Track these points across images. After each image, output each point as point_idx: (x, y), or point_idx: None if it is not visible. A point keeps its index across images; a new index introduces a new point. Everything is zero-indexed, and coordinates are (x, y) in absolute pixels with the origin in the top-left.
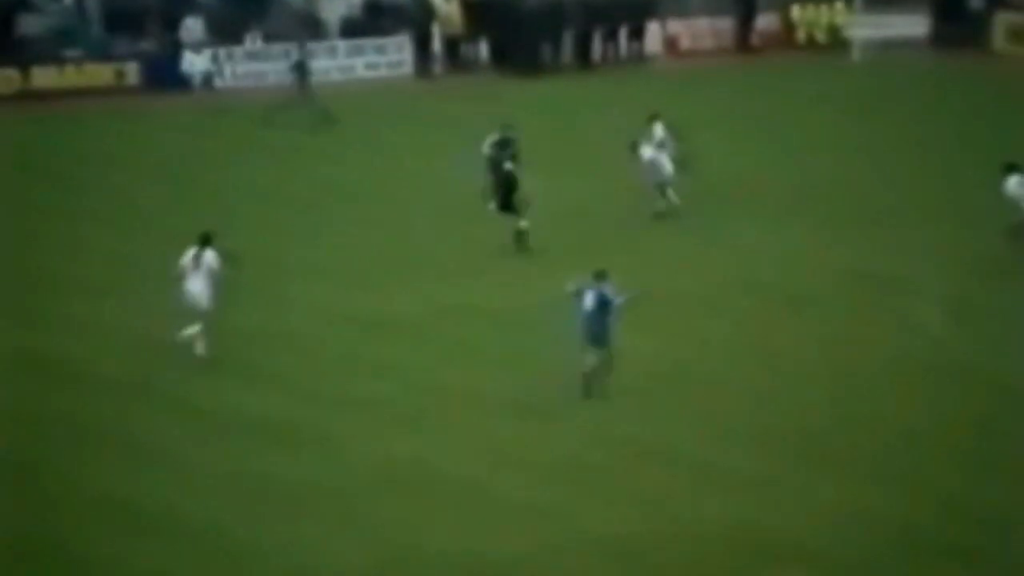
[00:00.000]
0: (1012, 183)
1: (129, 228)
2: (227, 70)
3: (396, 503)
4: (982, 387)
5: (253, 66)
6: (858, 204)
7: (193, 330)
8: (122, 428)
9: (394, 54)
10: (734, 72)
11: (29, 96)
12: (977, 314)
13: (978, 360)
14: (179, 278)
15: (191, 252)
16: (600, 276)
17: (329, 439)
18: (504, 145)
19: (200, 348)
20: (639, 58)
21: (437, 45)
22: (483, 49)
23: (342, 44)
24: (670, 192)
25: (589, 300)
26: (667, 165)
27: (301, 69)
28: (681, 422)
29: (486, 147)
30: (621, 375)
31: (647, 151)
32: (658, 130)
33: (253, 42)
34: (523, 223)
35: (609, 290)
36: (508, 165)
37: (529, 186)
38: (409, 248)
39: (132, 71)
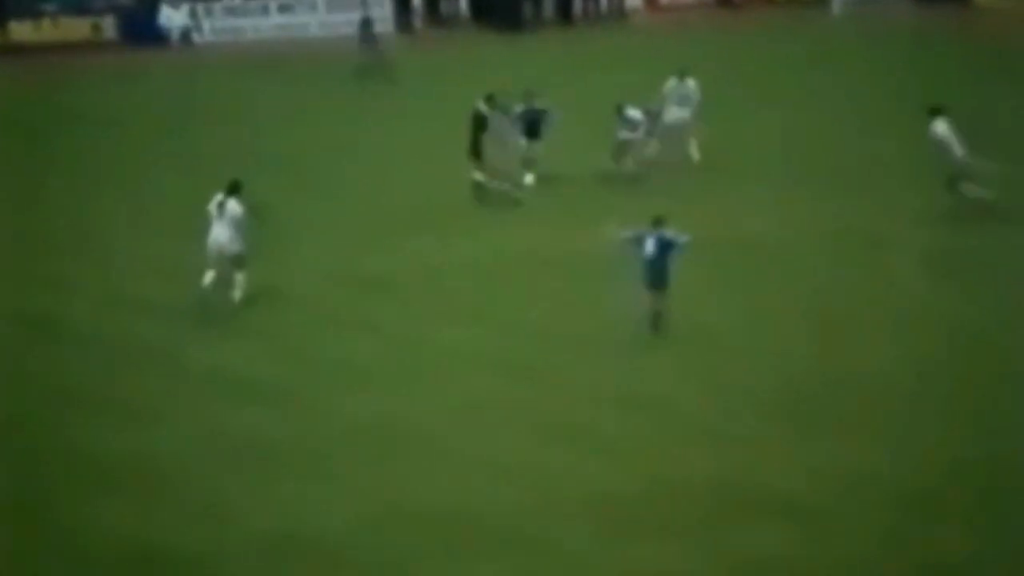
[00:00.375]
0: (939, 127)
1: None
2: (205, 25)
3: (378, 461)
4: (968, 342)
5: (232, 21)
6: (839, 159)
7: (212, 278)
8: (101, 385)
9: (375, 10)
10: (714, 27)
11: (6, 50)
12: (962, 268)
13: (964, 315)
14: (206, 226)
15: (216, 199)
16: (659, 221)
17: (311, 397)
18: (526, 111)
19: (238, 293)
20: (619, 14)
21: (417, 1)
22: (463, 5)
23: (323, 1)
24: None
25: (650, 245)
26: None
27: (366, 26)
28: (667, 378)
29: (516, 109)
30: (606, 332)
31: (672, 111)
32: (689, 84)
33: None
34: (479, 176)
35: (669, 234)
36: (481, 107)
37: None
38: (397, 206)
39: (109, 25)
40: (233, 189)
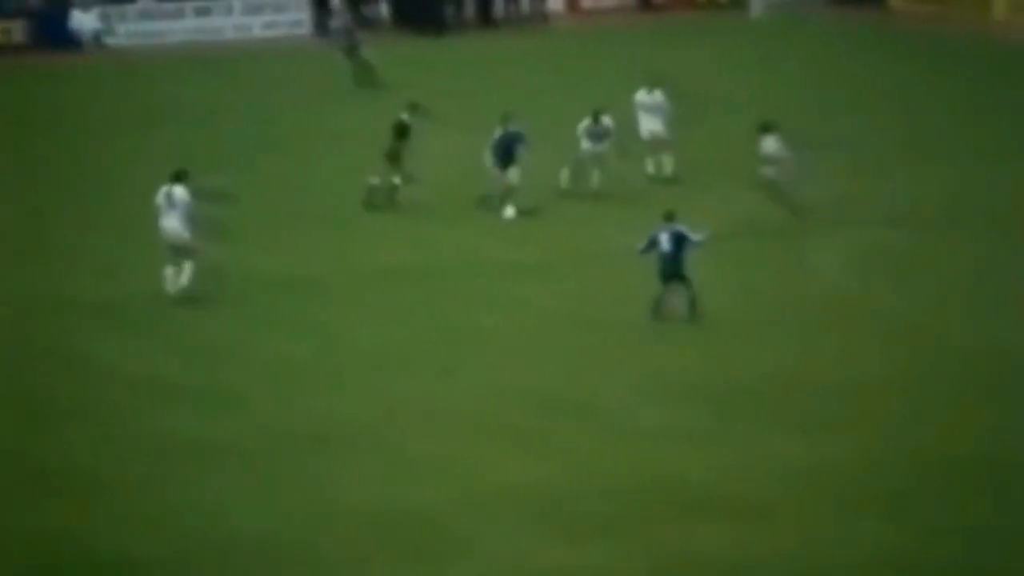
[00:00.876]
0: (768, 143)
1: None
2: (119, 28)
3: (309, 461)
4: (912, 336)
5: (146, 25)
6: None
7: (172, 270)
8: (30, 388)
9: (292, 12)
10: (636, 31)
11: None
12: (900, 264)
13: (907, 310)
14: (156, 217)
15: (163, 190)
16: (670, 216)
17: (243, 399)
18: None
19: (184, 280)
20: (541, 16)
21: (337, 3)
22: (384, 7)
23: (238, 2)
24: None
25: (665, 242)
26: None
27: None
28: (601, 374)
29: (495, 138)
30: (536, 328)
31: (645, 124)
32: (658, 95)
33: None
34: (396, 179)
35: (683, 227)
36: (404, 115)
37: (439, 147)
38: (323, 207)
39: (18, 29)
40: (179, 177)
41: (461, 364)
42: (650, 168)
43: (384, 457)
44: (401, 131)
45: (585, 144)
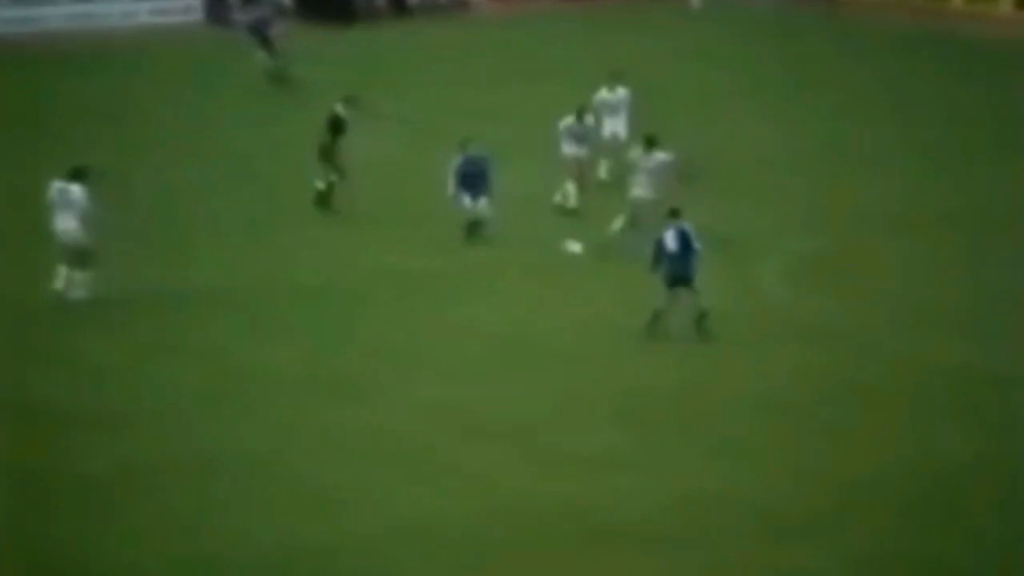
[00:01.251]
0: (634, 153)
1: None
2: None
3: (199, 492)
4: (838, 349)
5: (19, 10)
6: (700, 156)
7: (64, 273)
8: None
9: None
10: (564, 19)
11: None
12: (832, 273)
13: (833, 321)
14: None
15: (56, 185)
16: (675, 213)
17: (130, 426)
18: None
19: (81, 292)
20: (461, 4)
21: None
22: None
23: None
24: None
25: (671, 241)
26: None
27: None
28: (510, 394)
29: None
30: (448, 347)
31: (608, 124)
32: (620, 92)
33: None
34: (332, 179)
35: (689, 226)
36: (339, 108)
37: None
38: (219, 217)
39: None
40: (77, 175)
41: (376, 386)
42: (568, 193)
43: (279, 489)
44: (336, 126)
45: (567, 148)
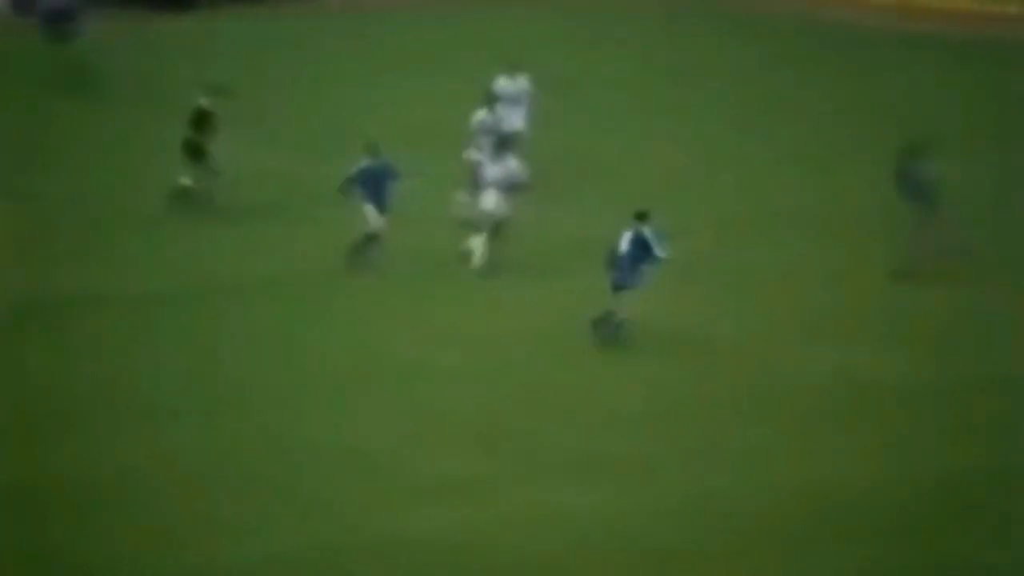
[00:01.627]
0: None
1: None
2: None
3: (70, 518)
4: (706, 358)
5: None
6: (562, 160)
7: None
8: None
9: None
10: (416, 9)
11: None
12: (699, 280)
13: (700, 330)
14: None
15: None
16: (641, 216)
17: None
18: None
19: None
20: None
21: None
22: None
23: None
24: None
25: (624, 242)
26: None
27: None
28: (369, 420)
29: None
30: (292, 373)
31: (508, 119)
32: (522, 83)
33: None
34: (185, 180)
35: (649, 233)
36: (203, 101)
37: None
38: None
39: None
40: None
41: (222, 409)
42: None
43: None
44: (201, 120)
45: (480, 159)
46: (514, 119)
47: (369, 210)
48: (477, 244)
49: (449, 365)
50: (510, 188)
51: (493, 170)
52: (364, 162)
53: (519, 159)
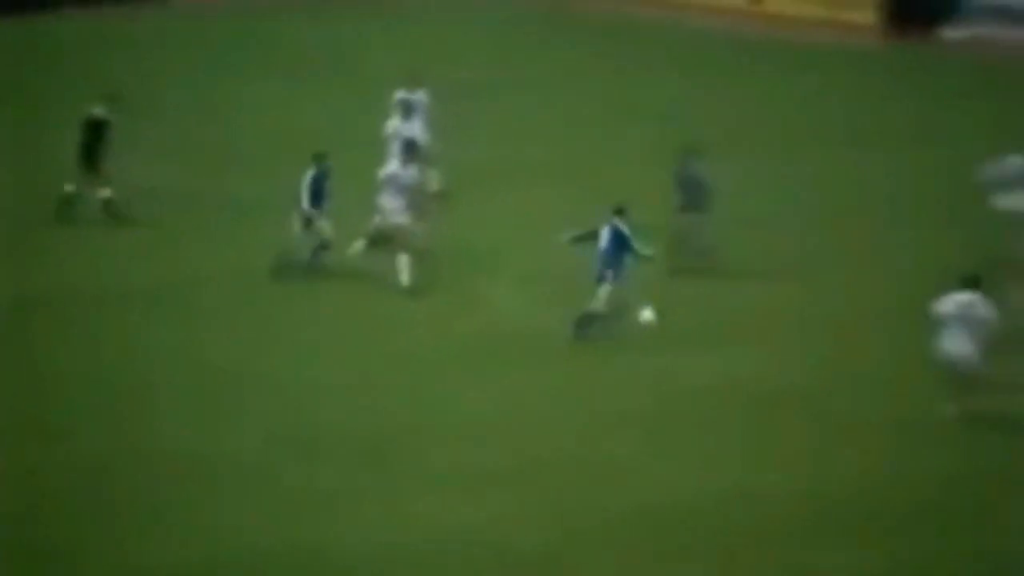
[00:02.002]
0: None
1: None
2: None
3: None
4: (582, 366)
5: None
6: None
7: None
8: None
9: None
10: (270, 11)
11: None
12: (565, 287)
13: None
14: None
15: None
16: (619, 211)
17: None
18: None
19: None
20: None
21: None
22: None
23: None
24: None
25: (605, 237)
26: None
27: None
28: (235, 429)
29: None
30: (163, 378)
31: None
32: (421, 96)
33: None
34: (107, 192)
35: (626, 228)
36: (98, 111)
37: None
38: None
39: None
40: None
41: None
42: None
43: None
44: (96, 129)
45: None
46: (413, 130)
47: (322, 221)
48: (403, 262)
49: (338, 381)
50: (414, 198)
51: (402, 178)
52: (311, 171)
53: (423, 169)
